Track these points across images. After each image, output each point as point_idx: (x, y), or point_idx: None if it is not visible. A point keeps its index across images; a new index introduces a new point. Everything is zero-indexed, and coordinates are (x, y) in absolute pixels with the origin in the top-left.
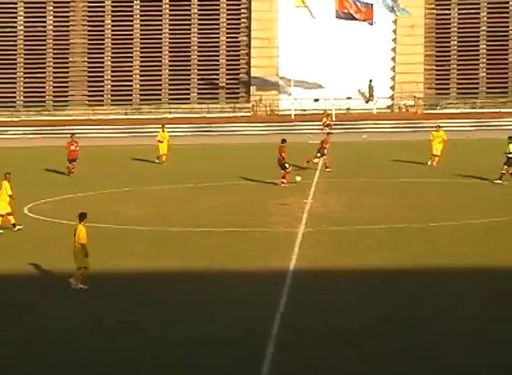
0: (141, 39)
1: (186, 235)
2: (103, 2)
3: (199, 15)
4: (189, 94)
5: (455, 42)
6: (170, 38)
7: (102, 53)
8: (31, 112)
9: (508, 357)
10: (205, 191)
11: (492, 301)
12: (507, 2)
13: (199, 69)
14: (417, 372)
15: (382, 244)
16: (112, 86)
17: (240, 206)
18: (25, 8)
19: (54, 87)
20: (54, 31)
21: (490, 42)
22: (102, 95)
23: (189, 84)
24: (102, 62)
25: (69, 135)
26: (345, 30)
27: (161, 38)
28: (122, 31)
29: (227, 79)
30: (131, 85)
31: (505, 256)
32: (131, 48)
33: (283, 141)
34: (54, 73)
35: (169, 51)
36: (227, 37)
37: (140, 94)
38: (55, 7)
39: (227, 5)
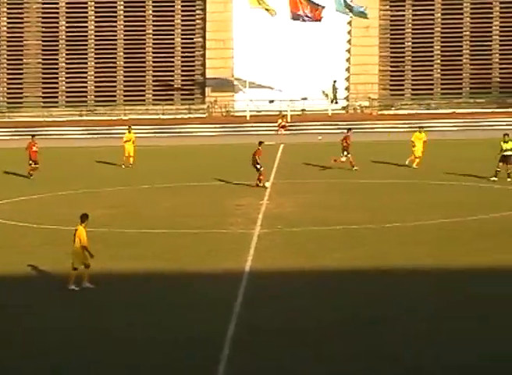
0: (96, 40)
1: (142, 237)
2: (57, 4)
3: (153, 16)
4: (144, 95)
5: (409, 43)
6: (125, 40)
7: (56, 54)
8: None
9: (463, 358)
10: (162, 192)
11: (444, 301)
12: (461, 4)
13: (154, 71)
14: (375, 373)
15: (338, 245)
16: (67, 87)
17: (196, 207)
18: None
19: (8, 88)
20: (8, 33)
21: (444, 43)
22: (57, 97)
23: (144, 86)
24: (56, 64)
25: (29, 136)
26: (300, 31)
27: (115, 40)
28: (76, 33)
29: (182, 80)
30: (86, 87)
31: (455, 257)
32: (85, 49)
33: (260, 142)
34: (8, 74)
35: (124, 53)
36: (182, 39)
37: (95, 96)
38: (8, 8)
39: (182, 6)
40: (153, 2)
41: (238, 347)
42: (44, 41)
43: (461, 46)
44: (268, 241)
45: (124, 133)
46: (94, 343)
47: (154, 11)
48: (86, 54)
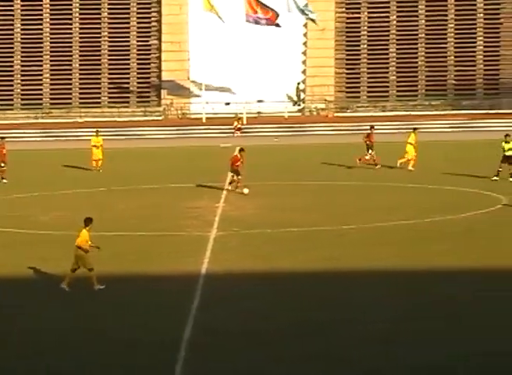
0: (51, 42)
1: (98, 239)
2: (12, 6)
3: (109, 18)
4: (99, 97)
5: (365, 46)
6: (80, 42)
7: (12, 57)
8: None
9: (425, 359)
10: (118, 195)
11: (404, 302)
12: (416, 6)
13: (109, 73)
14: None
15: (295, 247)
16: (22, 90)
17: (153, 210)
18: None
19: None
20: None
21: (399, 46)
22: (12, 99)
23: (99, 88)
24: (12, 66)
25: None
26: (256, 33)
27: (71, 42)
28: (31, 35)
29: (138, 82)
30: (41, 89)
31: (413, 258)
32: (41, 51)
33: (242, 149)
34: None
35: (80, 55)
36: (137, 41)
37: (51, 98)
38: None
39: (137, 8)
40: (108, 5)
41: (194, 349)
42: None
43: (416, 48)
44: (224, 244)
45: (83, 136)
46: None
47: (109, 13)
48: (41, 56)
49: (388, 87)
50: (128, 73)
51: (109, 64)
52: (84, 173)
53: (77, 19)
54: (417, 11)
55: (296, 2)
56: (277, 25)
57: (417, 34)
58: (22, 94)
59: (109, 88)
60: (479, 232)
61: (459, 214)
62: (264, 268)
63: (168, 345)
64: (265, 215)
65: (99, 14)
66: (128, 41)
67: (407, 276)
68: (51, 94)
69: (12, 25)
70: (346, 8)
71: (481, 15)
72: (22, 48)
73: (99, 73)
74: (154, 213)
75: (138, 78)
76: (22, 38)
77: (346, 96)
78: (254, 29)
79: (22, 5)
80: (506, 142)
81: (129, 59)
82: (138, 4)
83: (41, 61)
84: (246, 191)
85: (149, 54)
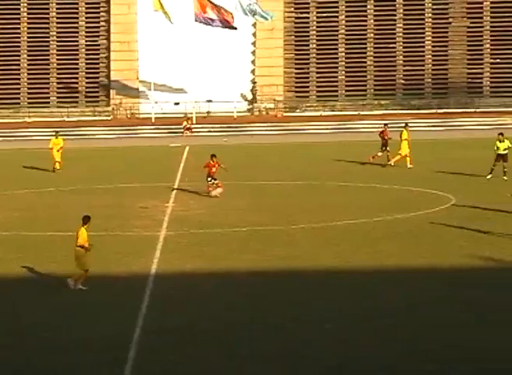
0: None
1: (48, 239)
2: None
3: (57, 18)
4: (48, 97)
5: (314, 45)
6: (28, 41)
7: None
8: None
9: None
10: (66, 195)
11: (349, 302)
12: (365, 6)
13: (58, 73)
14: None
15: (244, 246)
16: None
17: (101, 210)
18: None
19: None
20: None
21: (348, 45)
22: None
23: (48, 88)
24: None
25: None
26: (205, 33)
27: (19, 41)
28: None
29: (87, 82)
30: None
31: (360, 257)
32: None
33: (213, 155)
34: None
35: (28, 55)
36: (86, 41)
37: None
38: None
39: (86, 8)
40: (57, 4)
41: (143, 348)
42: None
43: (365, 48)
44: (173, 244)
45: (32, 136)
46: None
47: (57, 12)
48: None
49: (337, 86)
50: (77, 73)
51: (58, 64)
52: (33, 173)
53: (25, 18)
54: (365, 11)
55: (243, 5)
56: (233, 27)
57: (365, 34)
58: None
59: (58, 88)
60: (424, 232)
61: (407, 213)
62: (213, 267)
63: (117, 345)
64: (215, 215)
65: (47, 13)
66: (77, 41)
67: (355, 276)
68: None
69: None
70: (295, 8)
71: (430, 15)
72: None
73: (47, 73)
74: (103, 213)
75: (87, 78)
76: None
77: (296, 96)
78: (203, 29)
79: None
80: (500, 141)
81: (77, 59)
82: (87, 3)
83: None
84: (214, 193)
85: (98, 54)
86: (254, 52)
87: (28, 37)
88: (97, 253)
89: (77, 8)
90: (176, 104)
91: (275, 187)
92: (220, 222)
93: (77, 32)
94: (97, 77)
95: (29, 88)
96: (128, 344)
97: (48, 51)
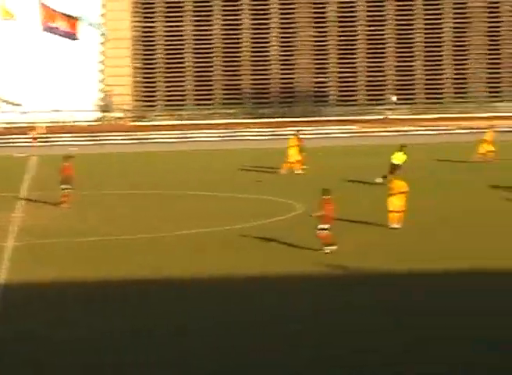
0: None
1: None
2: None
3: None
4: None
5: (161, 54)
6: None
7: None
8: None
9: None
10: None
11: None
12: (212, 11)
13: None
14: None
15: (93, 255)
16: None
17: None
18: None
19: None
20: None
21: (196, 54)
22: None
23: None
24: None
25: None
26: (52, 42)
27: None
28: None
29: None
30: None
31: (204, 266)
32: None
33: (67, 158)
34: None
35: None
36: None
37: None
38: None
39: None
40: None
41: None
42: None
43: (213, 57)
44: (22, 254)
45: None
46: None
47: None
48: None
49: (185, 95)
50: None
51: None
52: None
53: None
54: (212, 20)
55: (87, 18)
56: (74, 38)
57: (212, 43)
58: None
59: None
60: (270, 239)
61: (256, 222)
62: (61, 277)
63: None
64: (62, 224)
65: None
66: None
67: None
68: None
69: None
70: (143, 17)
71: (278, 24)
72: None
73: None
74: None
75: None
76: None
77: (143, 105)
78: (51, 38)
79: None
80: (399, 152)
81: None
82: None
83: None
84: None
85: None
86: (102, 62)
87: None
88: None
89: None
90: (23, 113)
91: (128, 197)
92: (69, 231)
93: None
94: None
95: None
96: None
97: None
